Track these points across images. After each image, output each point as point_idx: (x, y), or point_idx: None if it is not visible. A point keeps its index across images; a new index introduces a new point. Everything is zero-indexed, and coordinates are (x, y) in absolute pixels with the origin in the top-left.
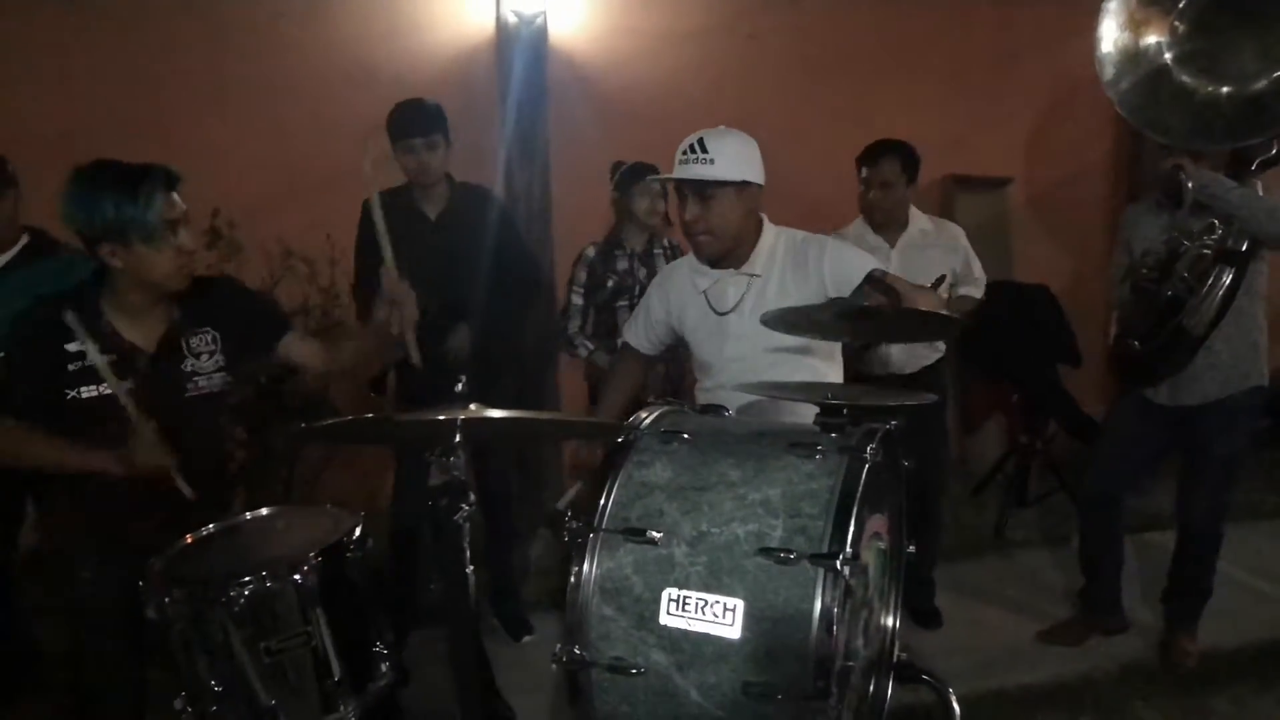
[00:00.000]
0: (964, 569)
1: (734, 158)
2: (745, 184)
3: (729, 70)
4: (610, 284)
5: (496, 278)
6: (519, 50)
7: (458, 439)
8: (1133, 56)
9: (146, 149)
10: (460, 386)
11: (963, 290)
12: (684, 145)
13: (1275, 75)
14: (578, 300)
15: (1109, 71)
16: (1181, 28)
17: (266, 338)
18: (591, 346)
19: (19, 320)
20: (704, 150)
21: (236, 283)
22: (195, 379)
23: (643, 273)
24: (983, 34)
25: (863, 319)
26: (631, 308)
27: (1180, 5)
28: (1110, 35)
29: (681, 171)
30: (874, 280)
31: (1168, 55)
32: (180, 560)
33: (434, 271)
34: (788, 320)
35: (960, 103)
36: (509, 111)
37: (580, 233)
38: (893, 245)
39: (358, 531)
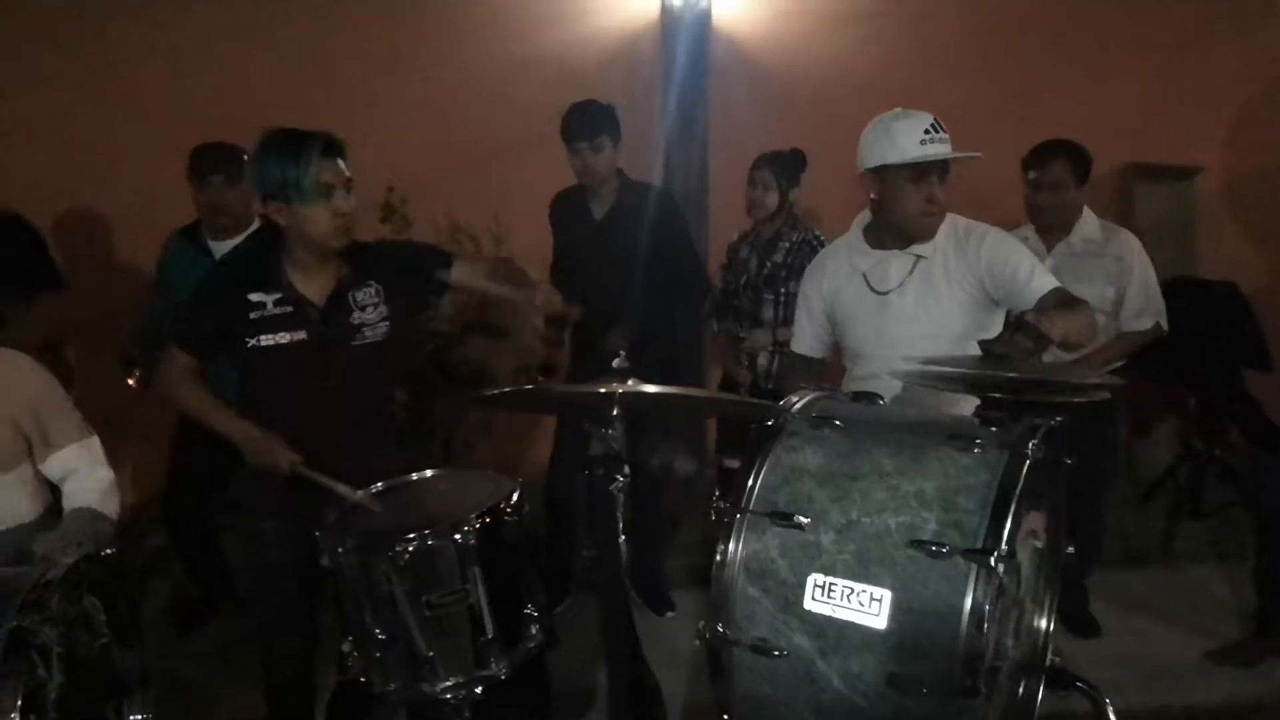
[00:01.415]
0: (1127, 579)
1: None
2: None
3: (896, 52)
4: (730, 274)
5: (660, 276)
6: (682, 34)
7: (615, 411)
8: None
9: (333, 124)
10: (618, 362)
11: (1130, 325)
12: (921, 124)
13: None
14: (718, 284)
15: None
16: None
17: (428, 273)
18: (717, 327)
19: (211, 271)
20: (943, 130)
21: (392, 240)
22: (363, 329)
23: (754, 264)
24: (1169, 11)
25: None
26: (740, 294)
27: None
28: None
29: (935, 150)
30: (1024, 325)
31: None
32: (353, 514)
33: (597, 271)
34: (930, 374)
35: (1144, 83)
36: (671, 96)
37: (739, 217)
38: (1050, 250)
39: (515, 496)
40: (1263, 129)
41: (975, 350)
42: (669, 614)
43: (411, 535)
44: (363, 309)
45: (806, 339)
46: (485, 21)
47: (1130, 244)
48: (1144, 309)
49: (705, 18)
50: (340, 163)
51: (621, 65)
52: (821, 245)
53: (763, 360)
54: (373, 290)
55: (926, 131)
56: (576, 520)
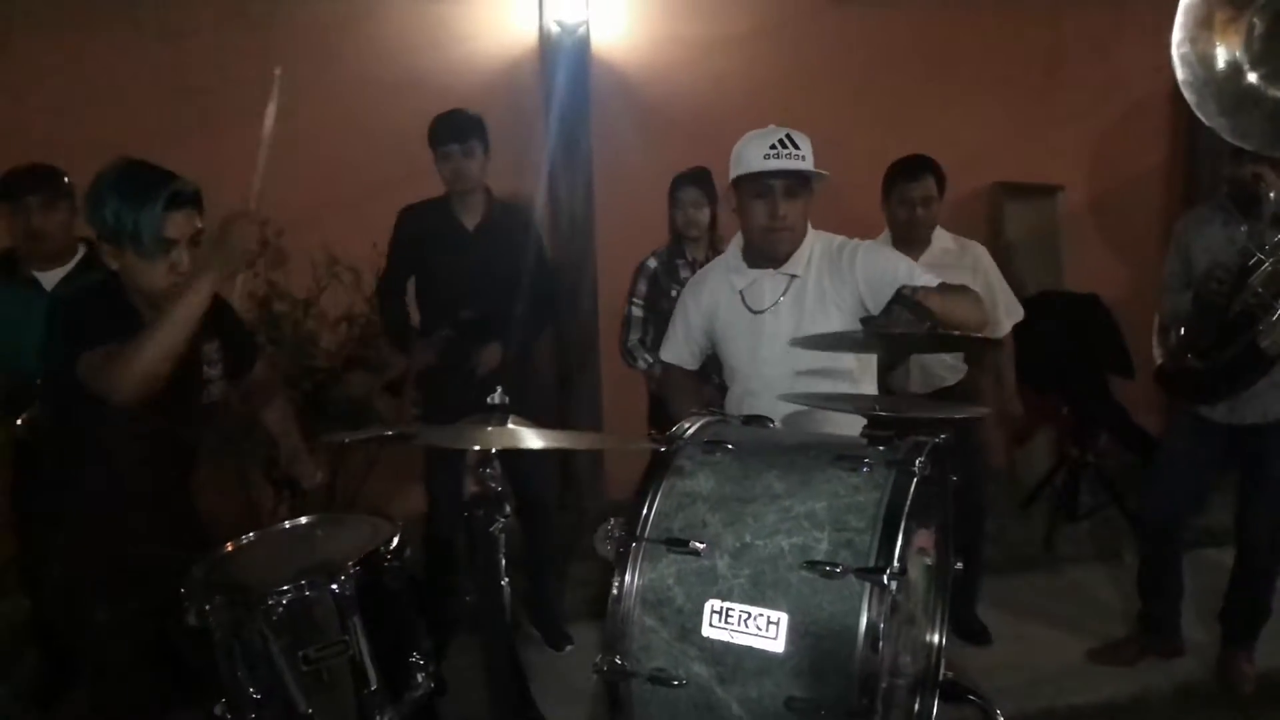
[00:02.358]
0: (1012, 584)
1: (811, 153)
2: (819, 179)
3: (773, 76)
4: (674, 294)
5: (526, 295)
6: (562, 60)
7: (493, 450)
8: (1209, 56)
9: (193, 158)
10: (495, 398)
11: (1003, 327)
12: (767, 141)
13: None
14: (637, 312)
15: (1182, 72)
16: (1259, 26)
17: (247, 362)
18: (650, 360)
19: (66, 303)
20: (795, 145)
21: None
22: (209, 386)
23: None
24: (1031, 37)
25: (893, 340)
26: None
27: (1258, 2)
28: (1186, 33)
29: (779, 164)
30: (903, 299)
31: (1245, 56)
32: (221, 567)
33: (469, 282)
34: (823, 343)
35: (1008, 108)
36: (552, 121)
37: (623, 243)
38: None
39: (396, 540)
40: (1120, 148)
41: (853, 363)
42: (568, 648)
43: (285, 587)
44: (210, 364)
45: (679, 348)
46: (361, 47)
47: (983, 254)
48: (1010, 309)
49: (584, 44)
50: (190, 214)
51: (501, 91)
52: None
53: None
54: (215, 346)
55: (773, 147)
56: (459, 560)
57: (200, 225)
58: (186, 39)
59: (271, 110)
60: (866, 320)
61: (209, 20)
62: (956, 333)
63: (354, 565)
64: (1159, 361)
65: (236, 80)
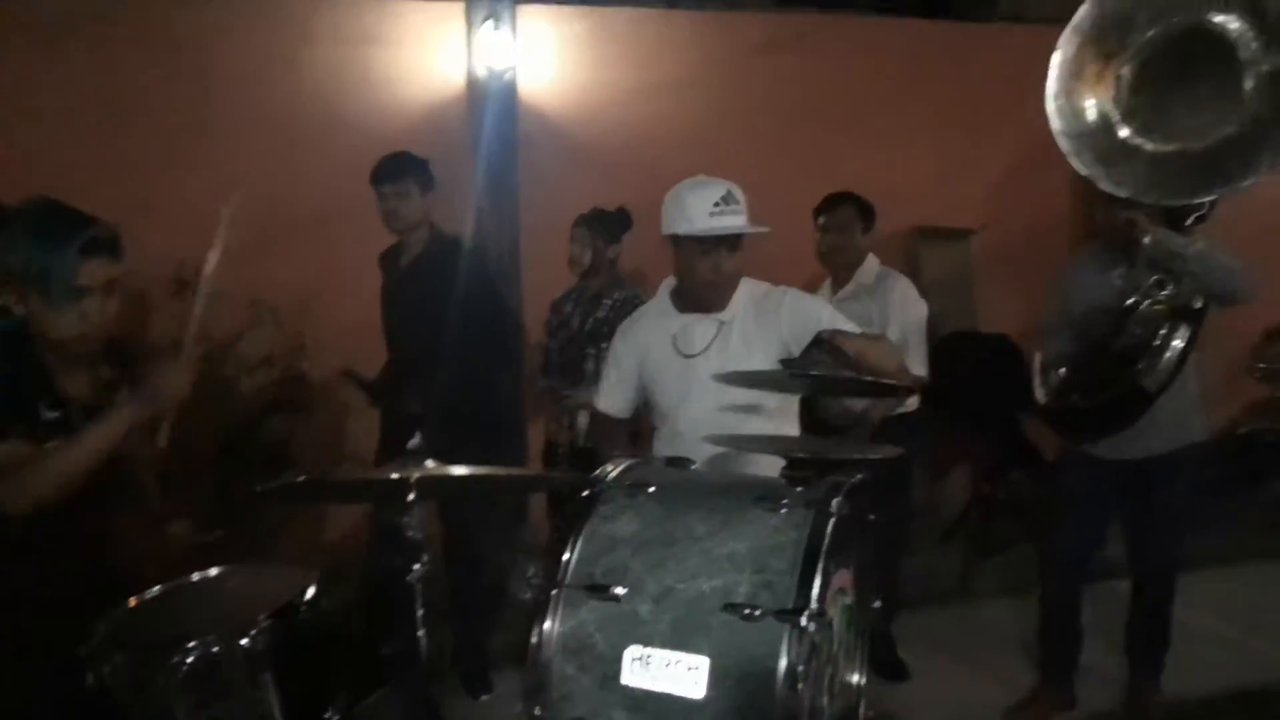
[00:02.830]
0: (932, 619)
1: (748, 207)
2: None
3: (698, 122)
4: (553, 323)
5: (464, 330)
6: (490, 104)
7: (411, 497)
8: (1081, 109)
9: (115, 194)
10: (413, 443)
11: None
12: (711, 196)
13: (1220, 135)
14: (547, 342)
15: (1058, 122)
16: (1127, 77)
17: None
18: (545, 381)
19: None
20: (736, 202)
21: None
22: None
23: (576, 320)
24: (947, 89)
25: (811, 381)
26: (562, 346)
27: (1125, 54)
28: (1060, 85)
29: (723, 223)
30: (821, 342)
31: (1115, 108)
32: (124, 624)
33: (397, 324)
34: (744, 380)
35: (926, 155)
36: (480, 164)
37: (551, 284)
38: (835, 294)
39: (311, 591)
40: (1029, 193)
41: (777, 407)
42: (485, 696)
43: (192, 644)
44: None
45: (614, 397)
46: (289, 86)
47: (896, 290)
48: (918, 357)
49: (511, 88)
50: (106, 261)
51: (429, 133)
52: (640, 304)
53: (583, 420)
54: (127, 393)
55: (716, 204)
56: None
57: (116, 273)
58: (112, 72)
59: (218, 249)
60: (786, 361)
61: (134, 54)
62: (869, 378)
63: (266, 618)
64: (1042, 401)
65: (161, 114)
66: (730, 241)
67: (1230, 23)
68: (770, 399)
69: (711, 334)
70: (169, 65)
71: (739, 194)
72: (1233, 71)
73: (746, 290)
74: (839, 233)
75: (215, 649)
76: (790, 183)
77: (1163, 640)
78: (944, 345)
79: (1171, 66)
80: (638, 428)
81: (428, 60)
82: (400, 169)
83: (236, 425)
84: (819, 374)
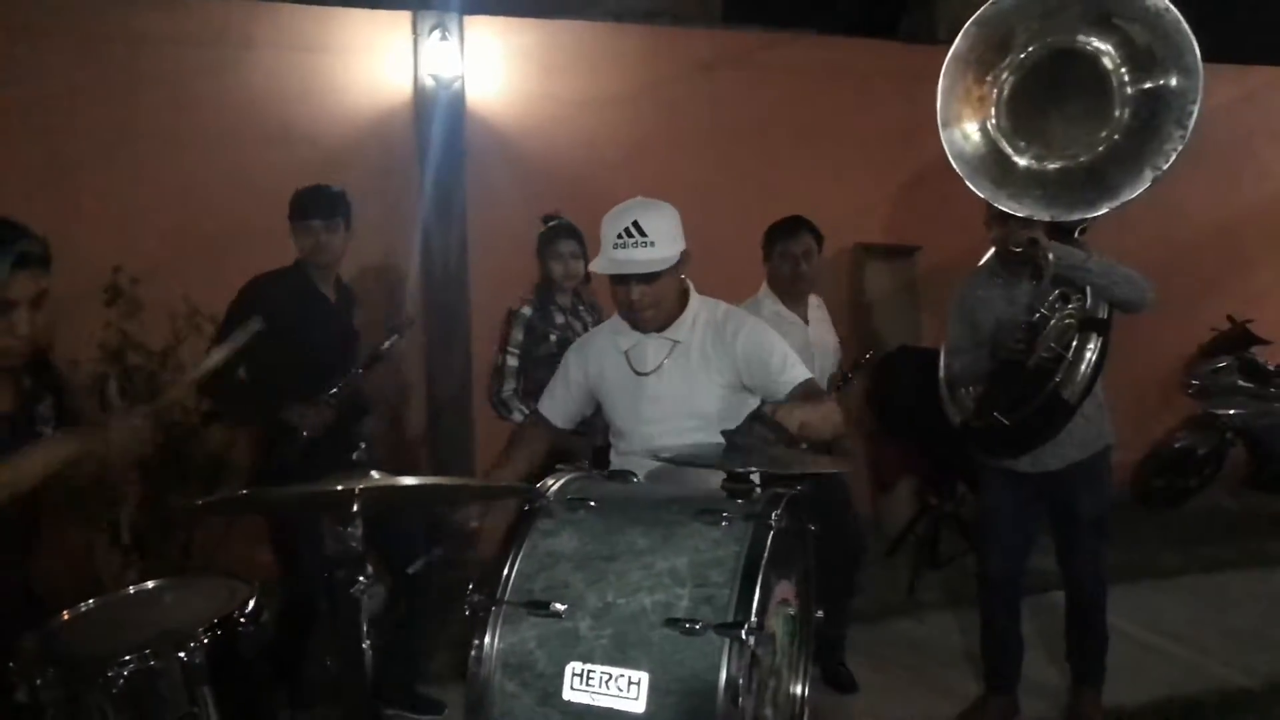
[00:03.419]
0: (878, 631)
1: (669, 234)
2: (682, 256)
3: (646, 137)
4: (553, 338)
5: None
6: (437, 113)
7: (355, 508)
8: (966, 133)
9: (47, 200)
10: (358, 455)
11: None
12: (616, 229)
13: (1101, 150)
14: (513, 362)
15: (950, 149)
16: (1003, 95)
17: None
18: (526, 410)
19: None
20: (641, 233)
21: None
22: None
23: (578, 325)
24: (887, 109)
25: (751, 453)
26: (548, 361)
27: (1001, 75)
28: (946, 113)
29: (624, 257)
30: (762, 417)
31: (999, 127)
32: (55, 638)
33: (337, 353)
34: (679, 459)
35: (868, 174)
36: (427, 173)
37: (498, 295)
38: (805, 320)
39: (252, 603)
40: (970, 211)
41: (730, 425)
42: (431, 718)
43: (128, 658)
44: (46, 423)
45: (555, 404)
46: (228, 95)
47: (826, 320)
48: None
49: (459, 98)
50: (35, 274)
51: (375, 143)
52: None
53: None
54: (49, 403)
55: (620, 237)
56: (318, 626)
57: (45, 285)
58: (40, 80)
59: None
60: (727, 433)
61: (64, 55)
62: (805, 446)
63: (205, 631)
64: (955, 420)
65: (92, 116)
66: (643, 276)
67: (1101, 43)
68: (726, 420)
69: (664, 352)
70: (102, 73)
71: (654, 222)
72: (1102, 88)
73: (705, 310)
74: (803, 260)
75: (152, 663)
76: (735, 197)
77: (1100, 646)
78: (889, 360)
79: (1043, 85)
80: (567, 445)
81: (374, 70)
82: (332, 203)
83: (174, 436)
84: (758, 452)
